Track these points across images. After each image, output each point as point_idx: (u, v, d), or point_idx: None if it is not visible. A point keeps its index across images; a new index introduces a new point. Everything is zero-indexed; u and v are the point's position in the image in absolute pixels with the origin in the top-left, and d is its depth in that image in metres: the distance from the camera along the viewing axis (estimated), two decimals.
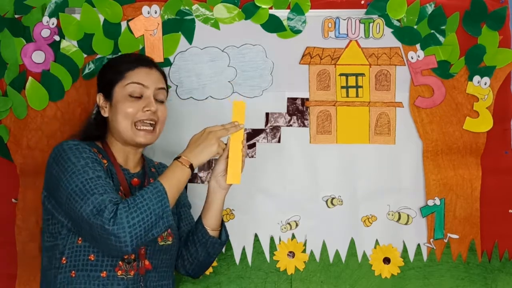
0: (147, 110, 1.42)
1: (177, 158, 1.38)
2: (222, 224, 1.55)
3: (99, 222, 1.24)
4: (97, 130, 1.49)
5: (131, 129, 1.42)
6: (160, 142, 1.79)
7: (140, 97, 1.43)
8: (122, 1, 1.78)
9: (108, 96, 1.45)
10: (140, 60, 1.49)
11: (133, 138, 1.43)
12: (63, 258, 1.35)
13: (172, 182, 1.34)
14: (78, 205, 1.27)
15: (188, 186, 1.75)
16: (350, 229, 1.88)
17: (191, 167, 1.37)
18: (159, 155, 1.78)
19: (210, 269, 1.85)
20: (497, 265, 1.90)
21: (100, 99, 1.48)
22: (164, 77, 1.53)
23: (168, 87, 1.55)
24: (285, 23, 1.82)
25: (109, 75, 1.47)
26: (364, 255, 1.89)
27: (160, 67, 1.53)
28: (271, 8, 1.82)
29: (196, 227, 1.52)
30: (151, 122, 1.44)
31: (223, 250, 1.85)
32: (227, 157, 1.44)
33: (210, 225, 1.50)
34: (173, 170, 1.36)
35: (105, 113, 1.47)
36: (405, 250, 1.89)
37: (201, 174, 1.85)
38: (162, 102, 1.48)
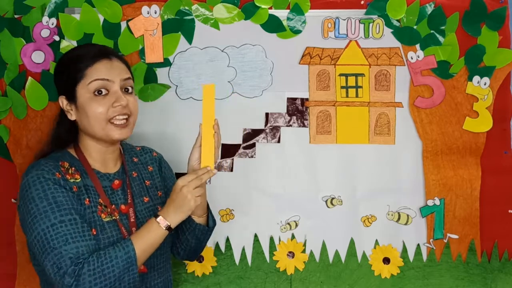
0: (118, 105, 1.34)
1: (156, 216, 1.32)
2: (208, 210, 1.52)
3: (60, 286, 1.22)
4: (67, 135, 1.41)
5: (104, 128, 1.34)
6: (160, 142, 1.79)
7: (107, 93, 1.34)
8: (121, 1, 1.78)
9: (71, 98, 1.35)
10: (98, 53, 1.37)
11: (108, 135, 1.35)
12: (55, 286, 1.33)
13: (145, 244, 1.29)
14: (40, 257, 1.25)
15: None
16: (349, 229, 1.89)
17: (169, 228, 1.32)
18: None
19: (210, 269, 1.85)
20: (497, 265, 1.90)
21: (63, 102, 1.37)
22: (128, 65, 1.43)
23: (133, 75, 1.44)
24: (284, 23, 1.82)
25: (67, 74, 1.35)
26: (364, 255, 1.89)
27: (120, 54, 1.44)
28: (270, 8, 1.82)
29: None
30: (124, 116, 1.36)
31: (223, 250, 1.86)
32: (200, 145, 1.39)
33: (195, 213, 1.47)
34: (148, 229, 1.31)
35: (72, 117, 1.37)
36: (404, 250, 1.89)
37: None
38: (130, 93, 1.39)
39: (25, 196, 1.29)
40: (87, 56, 1.35)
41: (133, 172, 1.50)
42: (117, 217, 1.37)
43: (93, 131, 1.36)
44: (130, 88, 1.39)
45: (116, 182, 1.42)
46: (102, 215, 1.35)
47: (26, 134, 1.79)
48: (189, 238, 1.50)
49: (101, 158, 1.42)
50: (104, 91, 1.34)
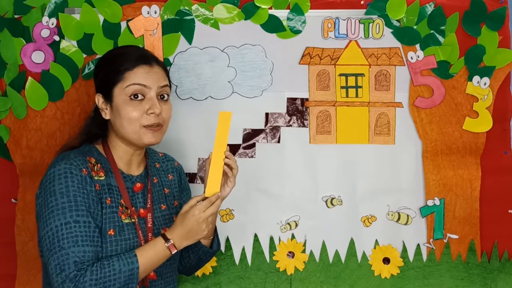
0: (151, 113, 1.36)
1: (165, 237, 1.32)
2: (215, 233, 1.55)
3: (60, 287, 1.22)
4: (98, 130, 1.44)
5: (137, 132, 1.37)
6: (160, 142, 1.79)
7: (142, 99, 1.37)
8: (121, 1, 1.78)
9: (108, 97, 1.38)
10: (140, 57, 1.39)
11: (140, 140, 1.38)
12: None
13: (149, 263, 1.30)
14: (47, 254, 1.25)
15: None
16: (349, 229, 1.89)
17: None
18: None
19: (210, 269, 1.85)
20: (497, 265, 1.90)
21: (99, 100, 1.41)
22: (166, 72, 1.46)
23: (170, 82, 1.48)
24: (284, 23, 1.82)
25: (107, 75, 1.39)
26: (364, 255, 1.89)
27: (160, 61, 1.46)
28: (270, 8, 1.82)
29: None
30: (157, 125, 1.39)
31: (223, 250, 1.86)
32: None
33: None
34: (155, 250, 1.31)
35: (106, 116, 1.40)
36: (404, 250, 1.89)
37: (201, 174, 1.85)
38: (166, 100, 1.42)
39: (47, 188, 1.29)
40: (128, 59, 1.38)
41: (154, 178, 1.51)
42: (136, 220, 1.38)
43: (125, 133, 1.38)
44: (166, 96, 1.42)
45: (138, 185, 1.43)
46: (122, 216, 1.36)
47: (26, 134, 1.79)
48: (191, 256, 1.54)
49: (127, 158, 1.44)
50: (140, 96, 1.36)
